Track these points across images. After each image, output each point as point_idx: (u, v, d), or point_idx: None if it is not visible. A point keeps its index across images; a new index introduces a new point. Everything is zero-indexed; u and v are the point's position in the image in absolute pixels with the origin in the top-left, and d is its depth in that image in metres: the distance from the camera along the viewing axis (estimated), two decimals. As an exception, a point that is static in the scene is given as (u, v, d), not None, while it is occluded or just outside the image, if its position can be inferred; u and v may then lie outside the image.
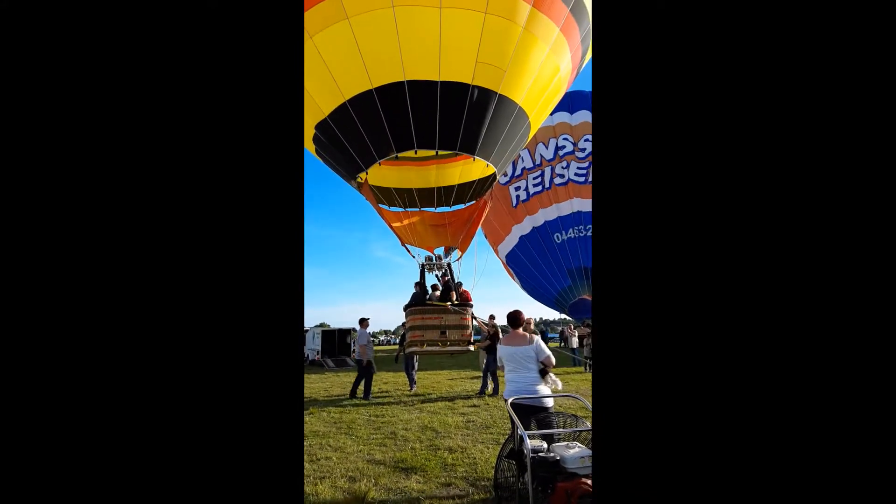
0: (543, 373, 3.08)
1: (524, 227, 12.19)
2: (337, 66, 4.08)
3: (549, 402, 3.00)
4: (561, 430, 2.56)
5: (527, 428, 2.43)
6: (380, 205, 4.99)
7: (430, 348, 4.84)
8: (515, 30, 3.99)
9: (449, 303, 4.97)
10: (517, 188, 12.49)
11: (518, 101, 4.41)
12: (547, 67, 4.43)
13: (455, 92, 4.11)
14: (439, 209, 5.05)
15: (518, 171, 12.62)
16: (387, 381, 8.57)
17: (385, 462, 3.85)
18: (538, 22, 4.08)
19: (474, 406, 6.36)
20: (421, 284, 5.29)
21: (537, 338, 3.19)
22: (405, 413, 5.99)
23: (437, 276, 5.34)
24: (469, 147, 4.43)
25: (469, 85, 4.11)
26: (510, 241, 12.42)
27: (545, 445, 2.33)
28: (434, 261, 5.32)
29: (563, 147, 12.19)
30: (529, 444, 2.26)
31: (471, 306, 5.15)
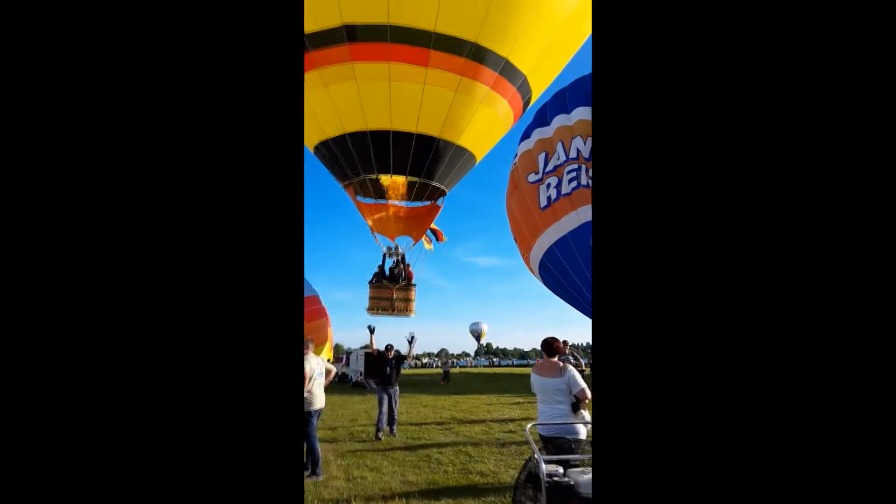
0: (576, 407, 2.85)
1: (555, 231, 10.61)
2: (343, 109, 5.92)
3: (582, 434, 2.81)
4: (576, 456, 2.61)
5: (548, 453, 2.50)
6: (357, 197, 6.59)
7: (382, 311, 6.90)
8: (475, 104, 5.96)
9: (403, 282, 6.99)
10: (548, 186, 10.65)
11: (470, 148, 6.48)
12: (495, 123, 6.44)
13: (426, 142, 6.10)
14: (402, 203, 6.70)
15: (550, 167, 10.80)
16: (426, 404, 8.70)
17: (417, 483, 3.99)
18: (492, 98, 5.94)
19: (510, 431, 6.37)
20: (381, 267, 7.14)
21: (571, 369, 2.99)
22: (441, 436, 6.11)
23: (394, 261, 7.09)
24: (430, 176, 6.51)
25: (436, 138, 6.09)
26: (540, 248, 10.99)
27: (561, 470, 2.40)
28: (393, 250, 7.06)
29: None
30: (545, 468, 2.35)
31: (414, 286, 7.06)
